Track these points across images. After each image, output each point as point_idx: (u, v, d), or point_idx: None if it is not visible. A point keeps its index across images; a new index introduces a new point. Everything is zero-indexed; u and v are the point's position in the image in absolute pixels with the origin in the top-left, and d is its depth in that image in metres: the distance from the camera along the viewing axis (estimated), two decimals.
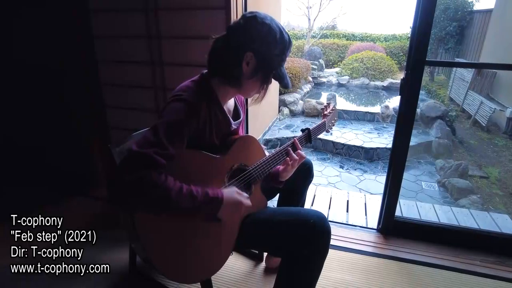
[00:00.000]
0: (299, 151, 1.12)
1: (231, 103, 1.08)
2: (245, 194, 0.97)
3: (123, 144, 1.21)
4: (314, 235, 0.96)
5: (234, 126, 1.05)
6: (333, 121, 1.41)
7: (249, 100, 1.04)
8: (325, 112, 1.37)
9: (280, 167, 1.12)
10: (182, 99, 0.89)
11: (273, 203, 1.54)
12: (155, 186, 0.78)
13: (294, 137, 1.17)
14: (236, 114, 1.10)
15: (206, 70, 0.98)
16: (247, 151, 1.06)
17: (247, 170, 1.04)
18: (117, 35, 1.80)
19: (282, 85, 0.98)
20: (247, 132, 1.94)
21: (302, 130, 1.23)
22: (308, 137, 1.22)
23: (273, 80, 0.99)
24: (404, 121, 1.55)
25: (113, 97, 1.95)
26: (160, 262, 0.90)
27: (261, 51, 0.90)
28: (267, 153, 1.12)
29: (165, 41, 1.72)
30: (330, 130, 1.39)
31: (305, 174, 1.30)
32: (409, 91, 1.49)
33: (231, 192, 0.93)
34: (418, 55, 1.41)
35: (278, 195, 1.38)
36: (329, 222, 1.86)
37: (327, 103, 1.44)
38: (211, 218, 0.91)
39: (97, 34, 1.84)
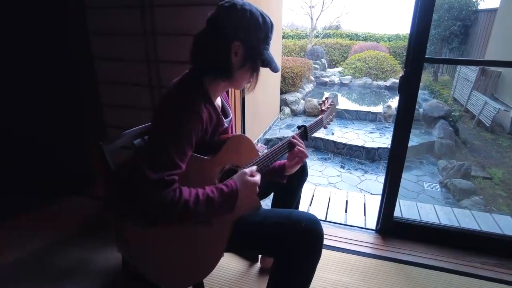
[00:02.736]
0: (301, 144, 1.10)
1: (218, 100, 1.05)
2: (254, 170, 0.97)
3: (115, 142, 1.19)
4: (306, 238, 0.93)
5: (226, 125, 1.02)
6: (330, 117, 1.37)
7: (245, 89, 1.02)
8: (323, 108, 1.35)
9: (288, 162, 1.11)
10: (183, 104, 0.84)
11: (268, 201, 1.52)
12: (173, 205, 0.80)
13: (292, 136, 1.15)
14: (224, 112, 1.08)
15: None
16: (239, 151, 1.02)
17: (239, 171, 1.01)
18: (112, 32, 1.78)
19: (271, 69, 0.95)
20: (244, 131, 1.91)
21: (299, 127, 1.20)
22: (305, 134, 1.19)
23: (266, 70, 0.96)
24: (403, 119, 1.52)
25: (109, 95, 1.93)
26: (149, 269, 0.88)
27: (247, 39, 0.87)
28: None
29: (160, 38, 1.70)
30: (328, 126, 1.36)
31: (299, 172, 1.27)
32: (408, 88, 1.46)
33: (242, 176, 0.93)
34: (417, 52, 1.37)
35: (272, 194, 1.36)
36: (327, 223, 1.83)
37: (324, 98, 1.41)
38: (231, 210, 0.92)
39: (92, 31, 1.82)
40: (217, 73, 0.92)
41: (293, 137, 1.11)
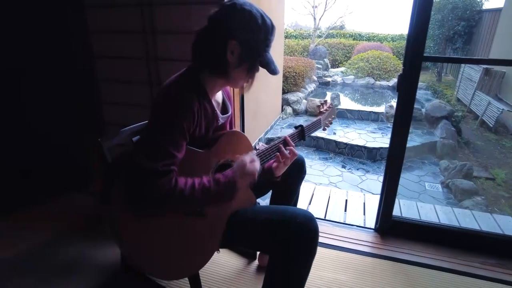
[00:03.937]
0: (291, 148, 1.09)
1: (219, 96, 1.06)
2: (254, 157, 0.97)
3: (112, 139, 1.20)
4: (301, 234, 0.93)
5: (221, 120, 1.03)
6: (330, 119, 1.38)
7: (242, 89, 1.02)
8: (322, 110, 1.35)
9: (274, 164, 1.10)
10: (174, 97, 0.86)
11: (267, 200, 1.52)
12: (169, 194, 0.81)
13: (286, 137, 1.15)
14: (224, 108, 1.08)
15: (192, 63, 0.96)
16: (233, 147, 1.03)
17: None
18: (111, 31, 1.79)
19: (269, 71, 0.95)
20: (243, 129, 1.92)
21: (296, 127, 1.20)
22: (301, 134, 1.19)
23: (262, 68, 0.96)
24: (402, 117, 1.51)
25: (109, 93, 1.94)
26: (143, 261, 0.89)
27: (244, 38, 0.87)
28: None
29: (160, 36, 1.71)
30: (326, 128, 1.36)
31: (297, 170, 1.27)
32: (407, 87, 1.45)
33: (240, 166, 0.92)
34: (415, 50, 1.37)
35: (270, 192, 1.36)
36: (326, 221, 1.82)
37: (324, 100, 1.41)
38: (230, 198, 0.92)
39: (92, 30, 1.84)
40: (213, 70, 0.92)
41: (285, 139, 1.10)
